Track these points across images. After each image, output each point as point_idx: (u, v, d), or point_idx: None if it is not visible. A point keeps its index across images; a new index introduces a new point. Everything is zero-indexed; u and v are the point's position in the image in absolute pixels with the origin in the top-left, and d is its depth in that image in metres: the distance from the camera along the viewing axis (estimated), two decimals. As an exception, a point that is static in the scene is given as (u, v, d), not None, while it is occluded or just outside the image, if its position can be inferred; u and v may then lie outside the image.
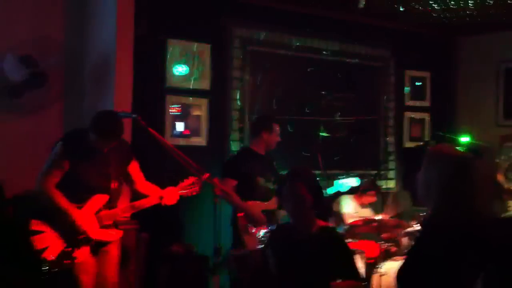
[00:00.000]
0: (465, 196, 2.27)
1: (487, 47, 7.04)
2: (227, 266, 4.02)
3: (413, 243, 2.48)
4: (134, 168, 3.81)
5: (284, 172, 4.28)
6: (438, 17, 6.18)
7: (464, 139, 6.41)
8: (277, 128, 4.64)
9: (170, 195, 3.74)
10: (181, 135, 5.28)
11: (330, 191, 5.25)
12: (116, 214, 3.67)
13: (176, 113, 5.25)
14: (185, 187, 3.78)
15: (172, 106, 5.23)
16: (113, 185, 3.65)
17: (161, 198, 3.72)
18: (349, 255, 3.17)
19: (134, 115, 3.81)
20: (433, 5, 5.74)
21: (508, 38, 6.79)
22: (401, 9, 5.87)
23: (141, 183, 3.84)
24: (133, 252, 4.51)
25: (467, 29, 6.86)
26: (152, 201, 3.72)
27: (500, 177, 5.72)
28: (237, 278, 4.01)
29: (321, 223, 3.12)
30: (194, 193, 3.80)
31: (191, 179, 3.79)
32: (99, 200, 3.60)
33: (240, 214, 4.24)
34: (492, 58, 6.95)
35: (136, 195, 3.81)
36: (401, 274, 2.34)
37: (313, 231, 3.04)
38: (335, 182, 5.03)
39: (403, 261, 2.41)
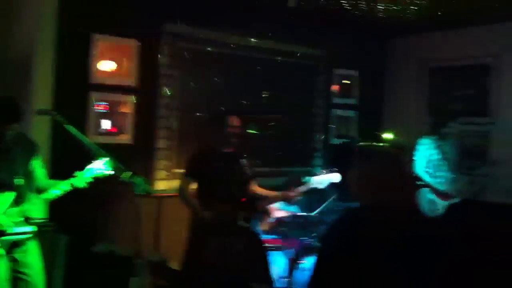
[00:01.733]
0: (397, 189, 2.34)
1: (413, 48, 7.28)
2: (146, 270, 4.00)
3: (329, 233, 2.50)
4: (37, 165, 3.70)
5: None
6: (367, 17, 6.32)
7: (389, 136, 6.60)
8: (231, 122, 4.44)
9: (81, 178, 3.64)
10: (107, 132, 5.18)
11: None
12: (26, 210, 3.54)
13: (103, 111, 5.15)
14: (94, 167, 3.67)
15: (98, 103, 5.12)
16: (20, 181, 3.52)
17: (71, 182, 3.62)
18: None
19: (52, 112, 3.69)
20: (362, 6, 5.86)
21: (432, 39, 7.03)
22: (330, 8, 5.95)
23: (45, 179, 3.73)
24: (52, 254, 4.39)
25: (394, 30, 7.06)
26: (63, 187, 3.61)
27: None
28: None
29: None
30: (105, 174, 3.69)
31: (103, 160, 3.68)
32: (6, 197, 3.47)
33: None
34: (417, 58, 7.18)
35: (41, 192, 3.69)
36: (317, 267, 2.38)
37: None
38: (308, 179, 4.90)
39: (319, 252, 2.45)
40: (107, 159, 3.68)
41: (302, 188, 4.71)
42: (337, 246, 2.26)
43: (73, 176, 3.64)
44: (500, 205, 6.18)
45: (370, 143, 6.54)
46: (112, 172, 3.69)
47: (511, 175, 6.17)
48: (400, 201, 2.33)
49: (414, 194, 2.42)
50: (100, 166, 3.68)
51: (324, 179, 4.66)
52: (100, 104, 5.14)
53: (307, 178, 5.04)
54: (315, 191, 4.83)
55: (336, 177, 4.68)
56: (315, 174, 4.84)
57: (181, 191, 4.41)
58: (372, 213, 2.30)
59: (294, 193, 4.63)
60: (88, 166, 3.67)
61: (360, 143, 6.42)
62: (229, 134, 4.41)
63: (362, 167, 2.42)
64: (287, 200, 4.74)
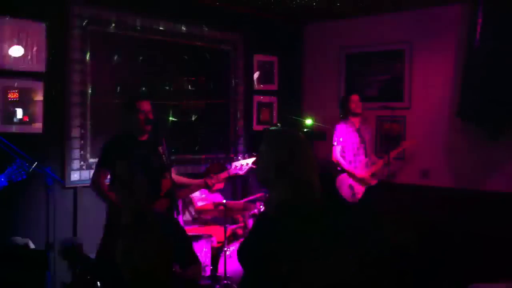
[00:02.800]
0: (300, 172, 2.31)
1: (330, 34, 7.37)
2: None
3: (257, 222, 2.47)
4: None
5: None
6: (285, 3, 6.31)
7: (308, 121, 6.67)
8: (142, 107, 4.25)
9: None
10: (17, 122, 4.86)
11: None
12: None
13: (11, 99, 4.82)
14: (11, 172, 3.46)
15: (8, 91, 4.78)
16: None
17: None
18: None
19: None
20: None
21: (349, 26, 7.15)
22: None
23: None
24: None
25: (312, 16, 7.11)
26: None
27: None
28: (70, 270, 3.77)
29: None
30: (20, 178, 3.49)
31: (18, 162, 3.47)
32: None
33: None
34: (334, 45, 7.28)
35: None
36: (241, 249, 2.34)
37: None
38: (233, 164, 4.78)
39: (244, 239, 2.41)
40: (22, 161, 3.46)
41: (222, 175, 4.66)
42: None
43: None
44: (413, 186, 6.42)
45: (277, 126, 6.59)
46: (25, 176, 3.49)
47: (424, 158, 6.41)
48: (305, 187, 2.31)
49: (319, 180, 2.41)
50: (17, 172, 3.47)
51: (243, 165, 4.63)
52: (9, 91, 4.80)
53: (226, 164, 4.99)
54: (236, 177, 4.79)
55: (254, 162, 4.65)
56: (234, 160, 4.79)
57: (94, 183, 4.19)
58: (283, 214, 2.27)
59: (214, 180, 4.56)
60: (7, 171, 3.45)
61: (270, 127, 6.42)
62: (141, 120, 4.24)
63: (264, 149, 2.39)
64: (208, 188, 4.66)
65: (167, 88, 6.00)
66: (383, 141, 6.68)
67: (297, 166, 2.33)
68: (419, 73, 6.58)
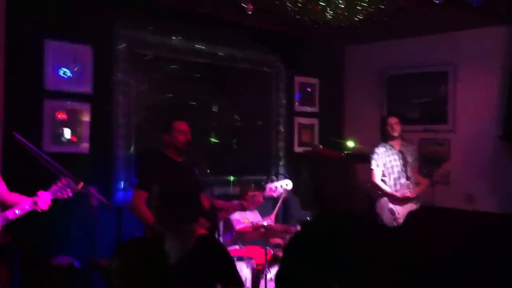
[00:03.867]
0: (342, 197, 2.28)
1: (371, 55, 7.35)
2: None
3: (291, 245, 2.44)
4: None
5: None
6: (327, 25, 6.33)
7: (350, 143, 6.63)
8: (179, 127, 4.28)
9: (43, 199, 3.50)
10: (64, 142, 5.00)
11: None
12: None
13: (61, 119, 4.97)
14: (57, 190, 3.55)
15: (57, 111, 4.94)
16: None
17: (34, 203, 3.48)
18: (230, 262, 3.10)
19: (-2, 122, 3.54)
20: (318, 14, 5.85)
21: (390, 48, 7.12)
22: (291, 15, 5.93)
23: (6, 194, 3.58)
24: (8, 268, 4.21)
25: (353, 38, 7.11)
26: (25, 207, 3.46)
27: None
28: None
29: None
30: (66, 196, 3.57)
31: (63, 180, 3.56)
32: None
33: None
34: (376, 66, 7.25)
35: (4, 208, 3.54)
36: (278, 277, 2.31)
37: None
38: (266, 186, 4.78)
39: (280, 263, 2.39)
40: (68, 180, 3.56)
41: (257, 198, 4.65)
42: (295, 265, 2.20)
43: (36, 195, 3.51)
44: (457, 210, 6.27)
45: (315, 150, 6.54)
46: (71, 194, 3.58)
47: (468, 181, 6.28)
48: (347, 212, 2.27)
49: (364, 202, 2.36)
50: (64, 190, 3.56)
51: (277, 187, 4.62)
52: (59, 111, 4.96)
53: (261, 186, 4.99)
54: (272, 199, 4.79)
55: (288, 184, 4.63)
56: (269, 182, 4.77)
57: (132, 205, 4.20)
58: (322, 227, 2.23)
59: (250, 202, 4.56)
60: (52, 188, 3.55)
61: (309, 149, 6.39)
62: (178, 141, 4.26)
63: (302, 173, 2.35)
64: (244, 210, 4.67)
65: (207, 109, 6.07)
66: (426, 164, 6.57)
67: (336, 189, 2.29)
68: (463, 95, 6.48)
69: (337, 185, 2.28)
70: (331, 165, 2.35)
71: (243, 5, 5.19)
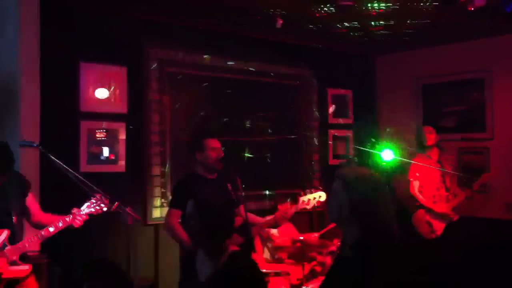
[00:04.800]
0: (374, 213, 2.25)
1: (404, 65, 7.26)
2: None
3: (334, 264, 2.42)
4: (31, 200, 3.64)
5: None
6: (357, 36, 6.31)
7: (386, 154, 6.53)
8: (210, 145, 4.29)
9: (77, 216, 3.56)
10: (100, 161, 5.09)
11: None
12: (22, 247, 3.46)
13: (98, 139, 5.08)
14: (90, 206, 3.61)
15: (94, 131, 5.04)
16: (13, 219, 3.45)
17: (66, 220, 3.54)
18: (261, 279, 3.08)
19: (35, 144, 3.62)
20: (351, 24, 5.85)
21: (423, 56, 7.02)
22: (319, 28, 5.94)
23: (40, 214, 3.67)
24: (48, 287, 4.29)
25: (384, 48, 7.04)
26: (58, 225, 3.52)
27: None
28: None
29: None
30: (101, 212, 3.63)
31: (97, 196, 3.62)
32: (0, 235, 3.39)
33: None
34: (409, 75, 7.16)
35: (38, 228, 3.61)
36: None
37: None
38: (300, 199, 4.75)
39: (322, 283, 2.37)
40: (100, 195, 3.62)
41: (290, 211, 4.60)
42: None
43: (70, 213, 3.57)
44: (498, 221, 6.10)
45: (349, 166, 6.45)
46: (105, 209, 3.63)
47: (509, 190, 6.10)
48: (382, 231, 2.25)
49: (396, 222, 2.33)
50: (97, 206, 3.62)
51: (310, 199, 4.55)
52: (95, 132, 5.06)
53: (295, 199, 4.94)
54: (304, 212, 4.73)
55: (322, 196, 4.58)
56: (301, 195, 4.71)
57: (167, 224, 4.20)
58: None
59: (282, 216, 4.50)
60: (85, 205, 3.61)
61: (341, 165, 6.30)
62: (210, 158, 4.27)
63: (337, 188, 2.33)
64: (278, 225, 4.64)
65: (239, 124, 6.08)
66: (465, 173, 6.41)
67: (371, 207, 2.27)
68: (500, 102, 6.33)
69: (374, 202, 2.26)
70: (367, 184, 2.32)
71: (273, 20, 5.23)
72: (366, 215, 2.26)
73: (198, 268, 3.78)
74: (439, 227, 5.67)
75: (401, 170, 6.48)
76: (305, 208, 4.56)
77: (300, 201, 4.55)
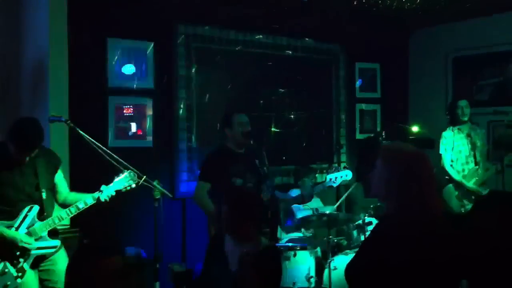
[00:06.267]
0: (422, 193, 2.23)
1: (434, 38, 7.11)
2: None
3: (366, 239, 2.42)
4: (59, 178, 3.69)
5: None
6: (386, 9, 6.18)
7: (415, 129, 6.45)
8: (239, 120, 4.36)
9: (106, 192, 3.60)
10: (128, 136, 5.15)
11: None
12: (52, 223, 3.52)
13: (126, 114, 5.12)
14: (119, 183, 3.65)
15: (122, 107, 5.08)
16: (43, 194, 3.51)
17: (95, 197, 3.58)
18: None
19: (63, 119, 3.66)
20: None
21: (454, 29, 6.86)
22: (348, 0, 5.84)
23: (67, 192, 3.72)
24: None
25: (414, 21, 6.89)
26: (87, 202, 3.58)
27: None
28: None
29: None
30: (129, 188, 3.67)
31: (126, 172, 3.66)
32: (30, 211, 3.46)
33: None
34: (440, 49, 7.01)
35: (65, 205, 3.67)
36: (353, 272, 2.28)
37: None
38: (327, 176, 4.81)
39: (353, 257, 2.36)
40: (129, 172, 3.65)
41: (317, 188, 4.67)
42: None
43: (99, 191, 3.61)
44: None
45: (392, 141, 6.38)
46: (134, 185, 3.67)
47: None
48: (426, 208, 2.23)
49: (439, 196, 2.31)
50: (125, 182, 3.65)
51: (337, 177, 4.63)
52: (125, 107, 5.10)
53: (320, 176, 4.97)
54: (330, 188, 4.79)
55: (348, 175, 4.66)
56: (328, 173, 4.76)
57: (196, 196, 4.31)
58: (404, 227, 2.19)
59: (309, 193, 4.60)
60: (114, 181, 3.65)
61: (383, 141, 6.22)
62: (238, 133, 4.32)
63: (383, 169, 2.32)
64: (304, 202, 4.70)
65: (268, 99, 6.07)
66: (496, 148, 6.29)
67: (415, 184, 2.24)
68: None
69: (417, 179, 2.24)
70: (407, 161, 2.29)
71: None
72: (406, 190, 2.23)
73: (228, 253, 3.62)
74: (469, 201, 5.61)
75: (429, 144, 6.39)
76: (331, 186, 4.62)
77: (328, 179, 4.62)
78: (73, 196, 3.69)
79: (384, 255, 2.17)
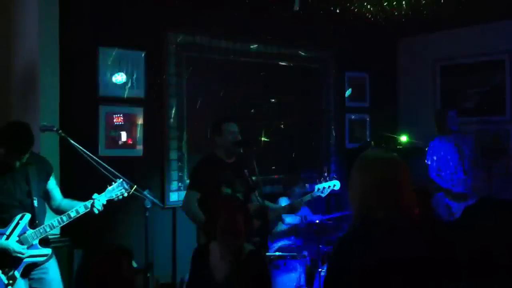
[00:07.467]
0: (401, 198, 2.24)
1: (424, 47, 7.18)
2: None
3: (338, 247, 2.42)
4: (52, 185, 3.68)
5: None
6: (374, 18, 6.23)
7: (403, 138, 6.51)
8: (229, 128, 4.33)
9: (98, 201, 3.59)
10: (118, 145, 5.14)
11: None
12: (43, 231, 3.51)
13: (116, 123, 5.12)
14: (111, 192, 3.64)
15: (112, 116, 5.08)
16: (35, 202, 3.49)
17: (87, 205, 3.57)
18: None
19: (54, 128, 3.66)
20: (368, 6, 5.77)
21: (441, 37, 6.94)
22: (337, 11, 5.87)
23: (60, 199, 3.71)
24: (69, 268, 4.37)
25: (402, 30, 6.96)
26: (79, 211, 3.56)
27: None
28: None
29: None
30: (121, 197, 3.66)
31: (117, 181, 3.65)
32: (21, 219, 3.44)
33: None
34: (429, 58, 7.08)
35: (58, 213, 3.66)
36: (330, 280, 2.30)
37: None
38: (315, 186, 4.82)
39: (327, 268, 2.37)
40: (121, 181, 3.65)
41: (305, 198, 4.70)
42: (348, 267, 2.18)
43: (91, 199, 3.60)
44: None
45: (370, 150, 6.42)
46: (126, 194, 3.66)
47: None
48: (400, 212, 2.23)
49: (416, 204, 2.31)
50: (118, 191, 3.65)
51: (325, 187, 4.66)
52: (113, 116, 5.10)
53: (308, 186, 4.99)
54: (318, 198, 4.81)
55: (336, 185, 4.68)
56: (316, 183, 4.77)
57: (185, 205, 4.28)
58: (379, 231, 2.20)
59: (298, 204, 4.63)
60: (107, 190, 3.64)
61: (364, 149, 6.27)
62: (228, 142, 4.31)
63: (357, 177, 2.29)
64: (293, 212, 4.73)
65: (258, 108, 6.09)
66: (484, 156, 6.36)
67: (389, 191, 2.26)
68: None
69: (392, 186, 2.23)
70: (382, 167, 2.30)
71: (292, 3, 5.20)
72: (382, 198, 2.25)
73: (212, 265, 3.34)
74: (458, 209, 5.65)
75: (417, 152, 6.45)
76: (319, 196, 4.64)
77: (316, 189, 4.65)
78: (67, 203, 3.68)
79: (365, 263, 2.17)
